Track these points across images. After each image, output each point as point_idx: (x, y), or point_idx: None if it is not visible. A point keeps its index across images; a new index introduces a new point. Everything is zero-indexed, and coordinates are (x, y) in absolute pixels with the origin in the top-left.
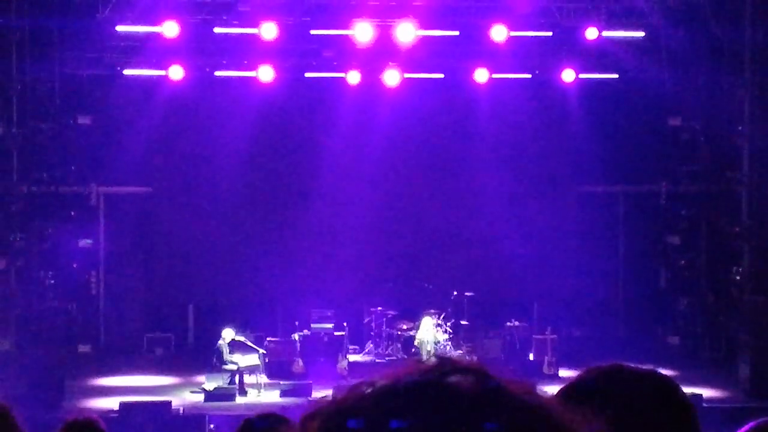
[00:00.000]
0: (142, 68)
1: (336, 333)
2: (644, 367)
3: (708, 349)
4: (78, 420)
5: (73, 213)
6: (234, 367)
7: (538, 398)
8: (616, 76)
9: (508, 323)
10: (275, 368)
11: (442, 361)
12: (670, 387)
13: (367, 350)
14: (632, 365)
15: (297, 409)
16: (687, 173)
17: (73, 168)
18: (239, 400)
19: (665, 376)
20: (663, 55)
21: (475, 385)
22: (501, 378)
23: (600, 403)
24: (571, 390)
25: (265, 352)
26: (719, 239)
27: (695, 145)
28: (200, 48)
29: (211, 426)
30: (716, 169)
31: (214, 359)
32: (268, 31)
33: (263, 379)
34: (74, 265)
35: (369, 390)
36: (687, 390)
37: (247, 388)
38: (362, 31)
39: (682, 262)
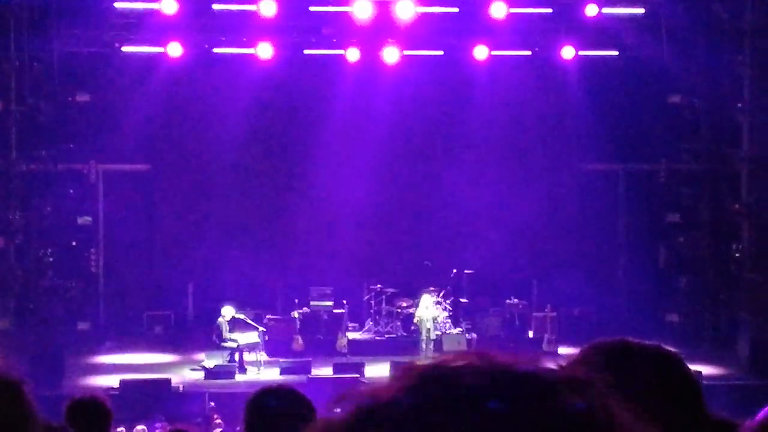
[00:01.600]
0: (140, 45)
1: (335, 311)
2: (649, 342)
3: (708, 327)
4: (85, 398)
5: (72, 190)
6: (233, 344)
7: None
8: (615, 53)
9: (508, 301)
10: (275, 346)
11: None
12: (676, 361)
13: (366, 328)
14: (637, 340)
15: (296, 386)
16: (687, 151)
17: (71, 145)
18: (239, 377)
19: (670, 350)
20: (663, 32)
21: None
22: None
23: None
24: (575, 364)
25: (264, 329)
26: (719, 217)
27: (695, 123)
28: (199, 25)
29: (211, 403)
30: (716, 147)
31: (214, 337)
32: (267, 7)
33: (263, 356)
34: (73, 243)
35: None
36: None
37: (246, 366)
38: (361, 8)
39: (682, 239)
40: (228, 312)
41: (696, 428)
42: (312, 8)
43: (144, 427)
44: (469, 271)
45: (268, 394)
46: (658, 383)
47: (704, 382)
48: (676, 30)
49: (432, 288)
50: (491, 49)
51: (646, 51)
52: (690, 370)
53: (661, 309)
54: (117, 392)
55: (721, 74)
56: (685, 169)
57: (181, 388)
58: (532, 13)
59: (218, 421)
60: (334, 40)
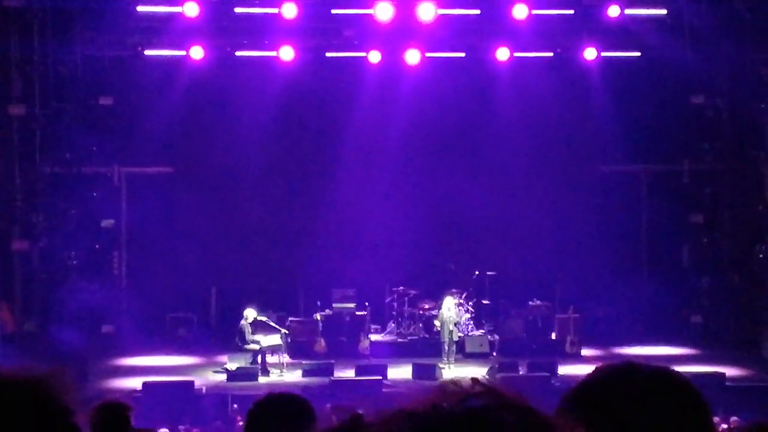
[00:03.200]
0: (163, 49)
1: (358, 313)
2: (657, 364)
3: (731, 329)
4: (110, 403)
5: (95, 193)
6: (256, 347)
7: None
8: (638, 54)
9: (531, 303)
10: (297, 348)
11: (484, 391)
12: (684, 388)
13: (388, 330)
14: (643, 363)
15: (318, 388)
16: (710, 151)
17: (95, 149)
18: (262, 379)
19: (679, 375)
20: (686, 33)
21: (519, 422)
22: (545, 417)
23: (612, 406)
24: (581, 393)
25: (287, 332)
26: (743, 217)
27: (718, 123)
28: (221, 28)
29: (234, 405)
30: (740, 147)
31: (237, 339)
32: (289, 10)
33: (285, 358)
34: (97, 246)
35: (410, 424)
36: (710, 369)
37: (269, 368)
38: (383, 10)
39: (705, 240)
40: (250, 314)
41: None
42: (334, 11)
43: (166, 430)
44: (492, 273)
45: (268, 401)
46: (666, 412)
47: (727, 383)
48: (698, 30)
49: (454, 290)
50: (513, 50)
51: (668, 52)
52: (700, 394)
53: (684, 310)
54: (140, 394)
55: (744, 74)
56: (708, 169)
57: (204, 391)
58: (553, 15)
59: (241, 423)
60: (356, 43)
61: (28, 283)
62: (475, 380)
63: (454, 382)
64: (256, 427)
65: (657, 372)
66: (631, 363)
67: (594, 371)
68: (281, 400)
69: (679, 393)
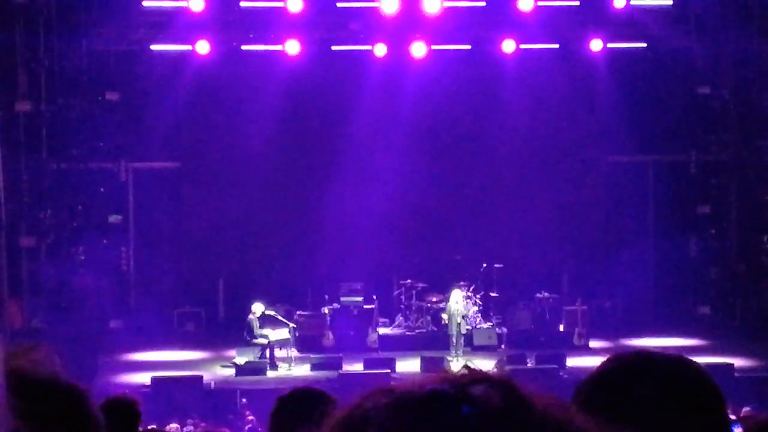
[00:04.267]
0: (169, 43)
1: (366, 306)
2: (671, 353)
3: (739, 319)
4: (118, 398)
5: (102, 189)
6: (264, 341)
7: (568, 416)
8: (644, 45)
9: (538, 294)
10: (305, 342)
11: (469, 372)
12: (699, 377)
13: (396, 323)
14: (658, 352)
15: (327, 382)
16: (717, 142)
17: (101, 144)
18: (270, 374)
19: (693, 364)
20: (691, 23)
21: (500, 400)
22: (528, 392)
23: (626, 396)
24: (594, 382)
25: (295, 326)
26: (750, 208)
27: (725, 114)
28: (226, 22)
29: (243, 400)
30: (746, 138)
31: (245, 333)
32: (294, 4)
33: (294, 352)
34: (104, 241)
35: (387, 399)
36: (718, 360)
37: (277, 362)
38: (389, 3)
39: (713, 231)
40: (258, 308)
41: None
42: (339, 4)
43: (177, 425)
44: (499, 265)
45: (294, 396)
46: (681, 401)
47: (736, 374)
48: (704, 21)
49: (462, 282)
50: (519, 42)
51: (674, 42)
52: (714, 383)
53: (692, 301)
54: (149, 390)
55: (751, 64)
56: (714, 160)
57: (212, 385)
58: (559, 6)
59: (250, 417)
60: (362, 36)
61: (36, 280)
62: (471, 369)
63: (447, 371)
64: (281, 422)
65: (673, 361)
66: (646, 352)
67: (606, 361)
68: (306, 396)
69: (696, 383)
